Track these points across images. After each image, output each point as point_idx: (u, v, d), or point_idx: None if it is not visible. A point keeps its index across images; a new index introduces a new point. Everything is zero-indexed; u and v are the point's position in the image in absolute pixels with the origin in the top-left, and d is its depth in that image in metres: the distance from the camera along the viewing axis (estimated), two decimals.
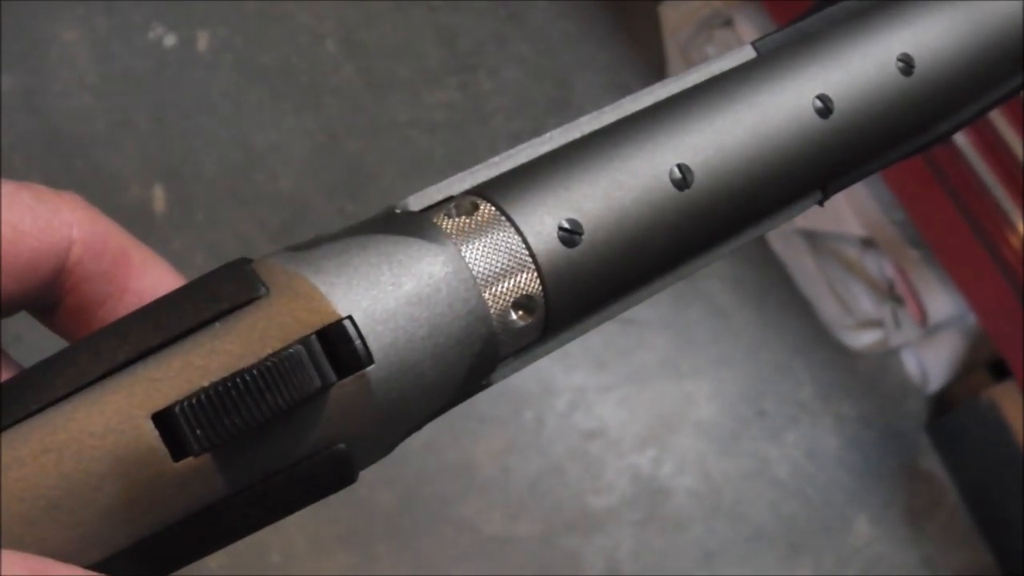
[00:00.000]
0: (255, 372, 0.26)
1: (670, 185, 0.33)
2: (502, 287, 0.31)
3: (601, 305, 0.34)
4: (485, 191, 0.32)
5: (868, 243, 1.60)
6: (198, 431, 0.26)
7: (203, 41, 1.68)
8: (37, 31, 1.64)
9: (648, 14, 1.76)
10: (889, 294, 1.59)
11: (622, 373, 1.55)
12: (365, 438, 0.29)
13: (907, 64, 0.37)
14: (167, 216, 1.56)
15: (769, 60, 0.36)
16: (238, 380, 0.26)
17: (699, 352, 1.59)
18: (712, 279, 1.63)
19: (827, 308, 1.64)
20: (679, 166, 0.33)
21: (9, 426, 0.26)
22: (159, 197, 1.57)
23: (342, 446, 0.28)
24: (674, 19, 1.70)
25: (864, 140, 0.36)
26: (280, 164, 1.60)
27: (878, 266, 1.60)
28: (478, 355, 0.30)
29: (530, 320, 0.31)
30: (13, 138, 1.57)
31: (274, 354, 0.27)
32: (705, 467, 1.54)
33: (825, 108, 0.35)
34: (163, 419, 0.27)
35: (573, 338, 0.34)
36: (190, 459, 0.27)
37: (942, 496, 1.60)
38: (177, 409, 0.26)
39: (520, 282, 0.31)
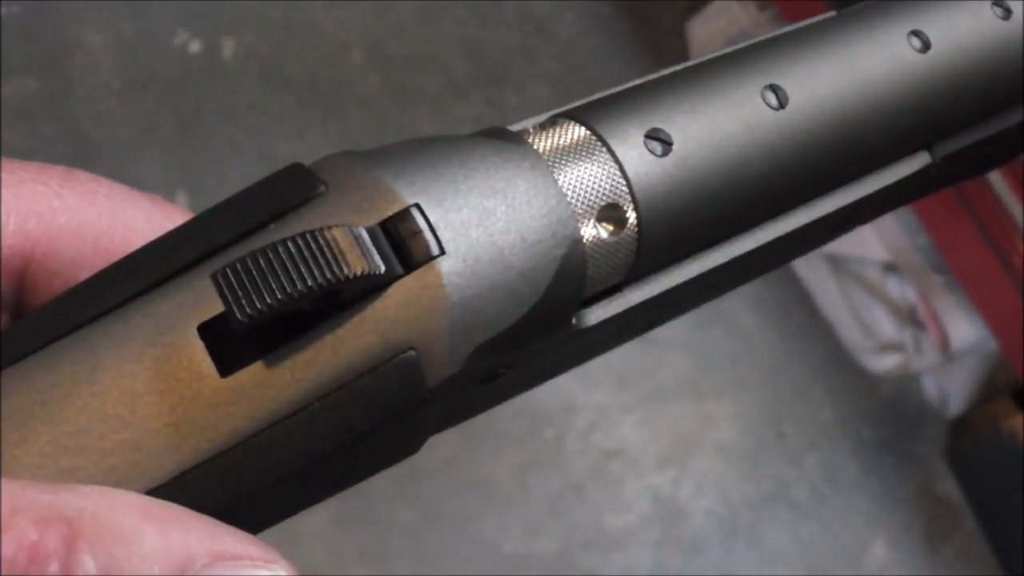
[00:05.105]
0: (304, 238, 0.23)
1: (762, 104, 0.31)
2: (585, 190, 0.29)
3: (698, 238, 0.31)
4: (567, 112, 0.31)
5: (891, 267, 1.60)
6: (240, 294, 0.23)
7: (228, 49, 1.67)
8: (62, 35, 1.64)
9: (676, 32, 1.75)
10: (911, 319, 1.59)
11: (643, 393, 1.55)
12: (436, 344, 0.25)
13: (1005, 10, 0.35)
14: None
15: (856, 7, 0.35)
16: (288, 244, 0.23)
17: (720, 373, 1.59)
18: (734, 300, 1.63)
19: (848, 331, 1.64)
20: (771, 86, 0.31)
21: (49, 342, 0.25)
22: (181, 204, 1.56)
23: (412, 353, 0.25)
24: (702, 37, 1.70)
25: (964, 87, 0.34)
26: None
27: (900, 291, 1.60)
28: (564, 260, 0.27)
29: (620, 235, 0.29)
30: (37, 142, 1.57)
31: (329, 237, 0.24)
32: (724, 489, 1.54)
33: (921, 43, 0.34)
34: (210, 330, 0.24)
35: (668, 295, 0.31)
36: (238, 374, 0.24)
37: (959, 521, 1.60)
38: (217, 274, 0.23)
39: (604, 186, 0.29)
